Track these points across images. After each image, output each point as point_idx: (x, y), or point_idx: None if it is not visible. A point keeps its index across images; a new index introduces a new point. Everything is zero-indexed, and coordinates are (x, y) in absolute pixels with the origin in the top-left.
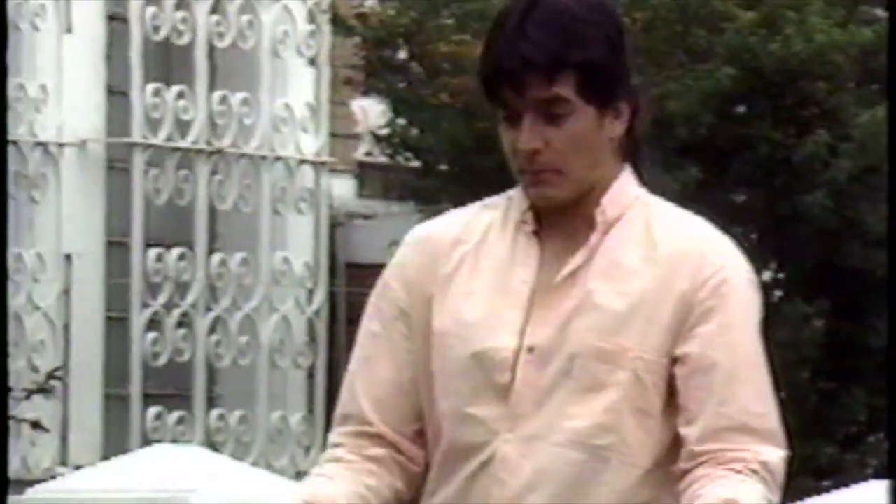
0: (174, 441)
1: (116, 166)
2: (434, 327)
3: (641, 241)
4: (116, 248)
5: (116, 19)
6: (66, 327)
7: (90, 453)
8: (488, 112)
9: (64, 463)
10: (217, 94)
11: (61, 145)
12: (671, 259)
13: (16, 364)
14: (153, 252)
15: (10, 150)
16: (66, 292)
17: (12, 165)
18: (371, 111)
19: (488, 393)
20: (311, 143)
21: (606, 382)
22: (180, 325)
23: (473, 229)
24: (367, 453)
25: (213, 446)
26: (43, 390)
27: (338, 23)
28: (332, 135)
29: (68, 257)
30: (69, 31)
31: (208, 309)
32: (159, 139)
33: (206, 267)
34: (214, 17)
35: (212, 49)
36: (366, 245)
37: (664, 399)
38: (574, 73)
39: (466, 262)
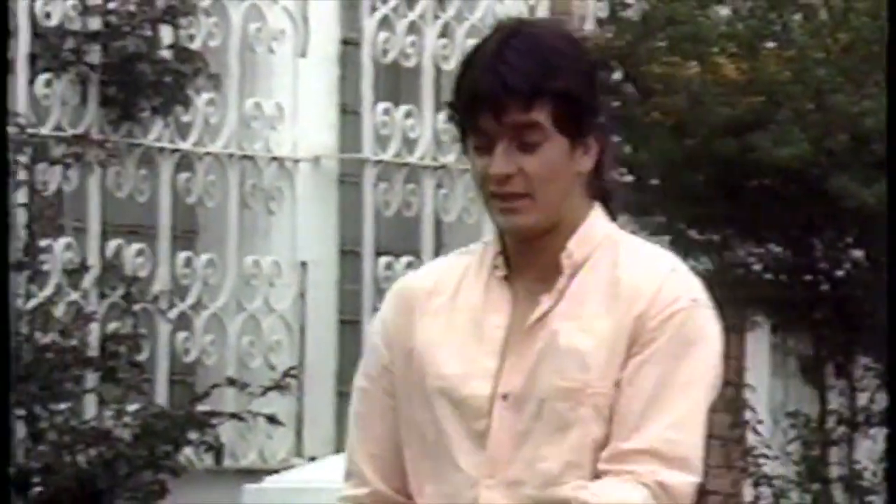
0: None
1: (348, 180)
2: (415, 382)
3: (607, 280)
4: (349, 256)
5: (350, 43)
6: (302, 329)
7: (323, 446)
8: (696, 130)
9: (299, 455)
10: (442, 114)
11: (296, 161)
12: (629, 293)
13: (254, 363)
14: (383, 260)
15: (248, 164)
16: (302, 297)
17: (250, 179)
18: None
19: (470, 442)
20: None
21: (571, 421)
22: None
23: (449, 278)
24: None
25: None
26: (279, 387)
27: None
28: None
29: (304, 264)
30: (304, 55)
31: None
32: (388, 155)
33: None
34: (441, 41)
35: (438, 71)
36: None
37: None
38: (551, 102)
39: (441, 313)
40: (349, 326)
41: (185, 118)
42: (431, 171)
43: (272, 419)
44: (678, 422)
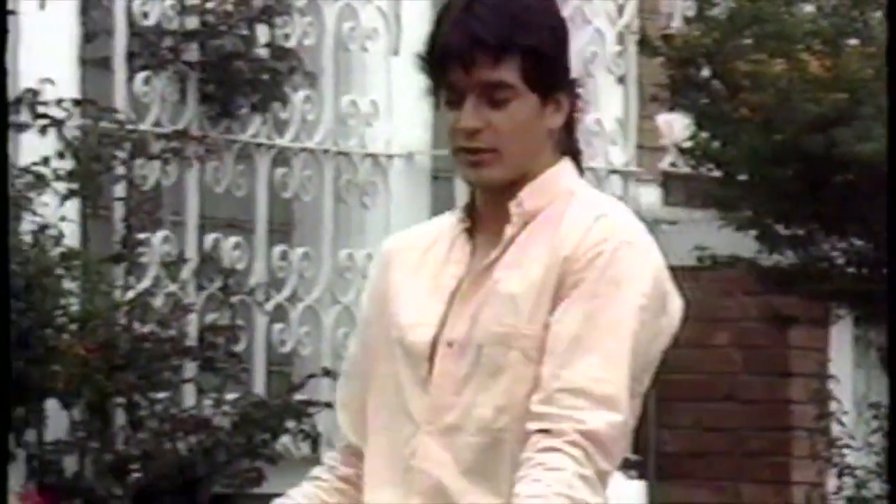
0: None
1: (440, 176)
2: (383, 335)
3: (552, 229)
4: None
5: None
6: None
7: None
8: (783, 126)
9: None
10: None
11: (390, 157)
12: (564, 238)
13: (348, 353)
14: None
15: (343, 160)
16: None
17: (345, 174)
18: (676, 125)
19: (416, 388)
20: (620, 155)
21: (503, 365)
22: None
23: (428, 235)
24: (339, 473)
25: None
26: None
27: (644, 44)
28: (640, 147)
29: None
30: (397, 53)
31: None
32: None
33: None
34: None
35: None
36: (671, 249)
37: None
38: (520, 58)
39: (410, 266)
40: None
41: (283, 115)
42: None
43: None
44: (603, 361)
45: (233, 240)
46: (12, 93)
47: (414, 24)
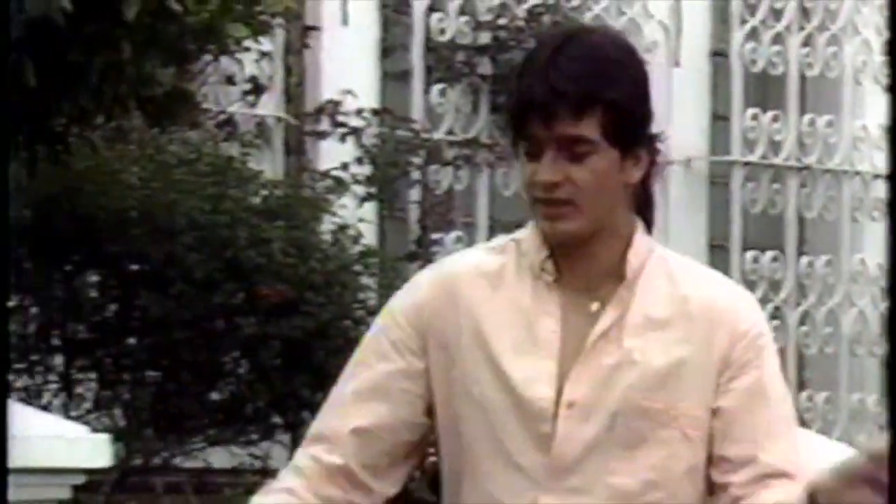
0: None
1: (717, 181)
2: (460, 375)
3: (669, 295)
4: (717, 250)
5: (719, 55)
6: None
7: None
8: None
9: None
10: (806, 118)
11: (669, 162)
12: (705, 315)
13: None
14: (749, 255)
15: None
16: None
17: None
18: None
19: (532, 442)
20: (884, 160)
21: (651, 439)
22: (773, 317)
23: (487, 274)
24: (322, 492)
25: (803, 423)
26: None
27: None
28: None
29: None
30: (678, 64)
31: (797, 304)
32: (755, 157)
33: (795, 268)
34: (804, 50)
35: (802, 78)
36: None
37: (708, 452)
38: (601, 112)
39: (488, 308)
40: None
41: None
42: (795, 171)
43: None
44: (794, 444)
45: None
46: (313, 103)
47: (693, 36)
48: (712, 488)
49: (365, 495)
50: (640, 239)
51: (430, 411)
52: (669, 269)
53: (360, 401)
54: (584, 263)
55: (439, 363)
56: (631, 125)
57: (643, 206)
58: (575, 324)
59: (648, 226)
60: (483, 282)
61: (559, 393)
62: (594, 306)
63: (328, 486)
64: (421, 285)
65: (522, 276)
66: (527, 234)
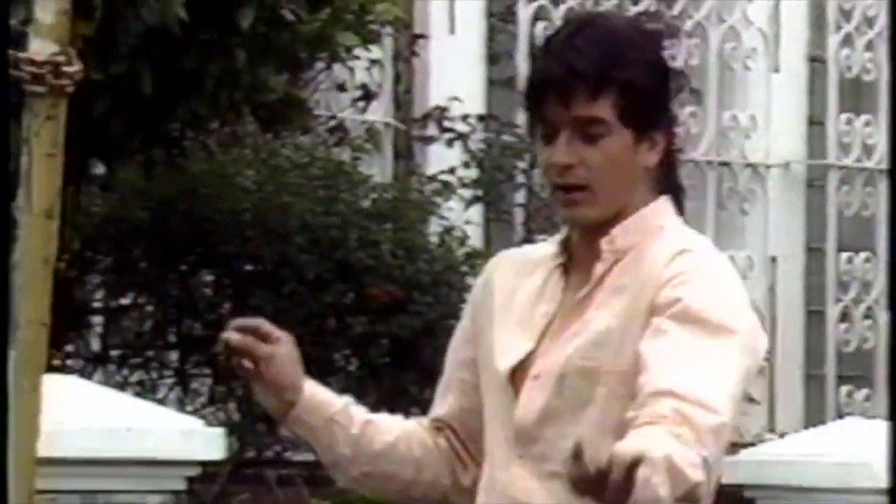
0: (862, 415)
1: (814, 184)
2: (477, 359)
3: (638, 266)
4: (814, 252)
5: (816, 61)
6: (773, 318)
7: (793, 423)
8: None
9: (771, 430)
10: None
11: (768, 166)
12: (648, 271)
13: None
14: (844, 256)
15: (725, 170)
16: (772, 289)
17: (726, 182)
18: None
19: (504, 421)
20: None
21: (589, 399)
22: (866, 317)
23: (530, 260)
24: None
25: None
26: None
27: None
28: None
29: (773, 259)
30: (776, 70)
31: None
32: (850, 161)
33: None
34: None
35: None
36: None
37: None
38: (616, 94)
39: (507, 294)
40: (815, 316)
41: None
42: (887, 174)
43: (749, 398)
44: (699, 373)
45: None
46: (421, 109)
47: (792, 43)
48: None
49: (463, 470)
50: (644, 216)
51: None
52: (656, 242)
53: (440, 394)
54: (591, 250)
55: (480, 351)
56: (646, 107)
57: (668, 191)
58: (567, 305)
59: (680, 209)
60: (522, 268)
61: (529, 367)
62: (584, 285)
63: (437, 436)
64: (481, 273)
65: (549, 262)
66: None
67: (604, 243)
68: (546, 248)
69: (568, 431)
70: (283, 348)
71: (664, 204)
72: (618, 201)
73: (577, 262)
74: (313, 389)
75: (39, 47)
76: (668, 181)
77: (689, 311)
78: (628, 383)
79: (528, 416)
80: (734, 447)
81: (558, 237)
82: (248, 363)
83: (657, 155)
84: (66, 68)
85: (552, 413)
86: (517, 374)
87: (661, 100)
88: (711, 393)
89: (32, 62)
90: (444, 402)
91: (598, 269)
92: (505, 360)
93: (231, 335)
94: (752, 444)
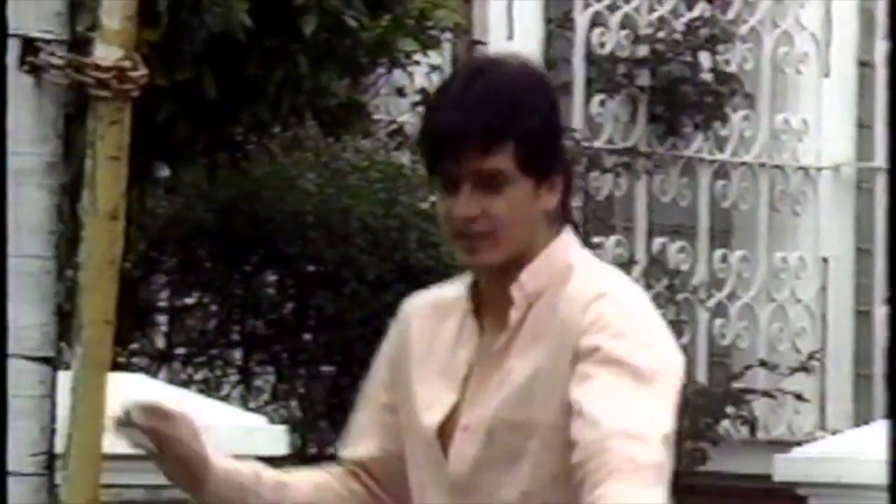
0: None
1: (863, 186)
2: (398, 406)
3: (553, 310)
4: (863, 253)
5: (866, 65)
6: (823, 317)
7: (844, 421)
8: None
9: (822, 428)
10: None
11: (819, 169)
12: (565, 319)
13: (782, 346)
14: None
15: (777, 172)
16: (824, 289)
17: (778, 185)
18: None
19: (437, 473)
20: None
21: (521, 452)
22: None
23: (444, 304)
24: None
25: None
26: (804, 369)
27: None
28: None
29: (825, 260)
30: (827, 75)
31: None
32: None
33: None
34: None
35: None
36: None
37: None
38: (513, 146)
39: (426, 342)
40: (864, 316)
41: (723, 132)
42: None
43: (799, 396)
44: (631, 413)
45: (678, 244)
46: None
47: (843, 48)
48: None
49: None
50: (548, 257)
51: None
52: (568, 283)
53: (356, 434)
54: (501, 293)
55: (398, 397)
56: (542, 155)
57: (570, 221)
58: (485, 352)
59: (579, 237)
60: (434, 313)
61: (456, 419)
62: (499, 332)
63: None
64: (394, 319)
65: (460, 309)
66: None
67: (514, 290)
68: (456, 291)
69: (503, 481)
70: (184, 428)
71: (567, 238)
72: (519, 244)
73: (488, 306)
74: (221, 461)
75: (105, 53)
76: (565, 215)
77: (612, 357)
78: (560, 434)
79: (461, 467)
80: (787, 445)
81: (465, 280)
82: (149, 443)
83: (556, 197)
84: (131, 73)
85: (485, 464)
86: (445, 427)
87: (555, 145)
88: (650, 432)
89: (98, 67)
90: (363, 444)
91: (513, 316)
92: (431, 415)
93: (135, 415)
94: (804, 442)
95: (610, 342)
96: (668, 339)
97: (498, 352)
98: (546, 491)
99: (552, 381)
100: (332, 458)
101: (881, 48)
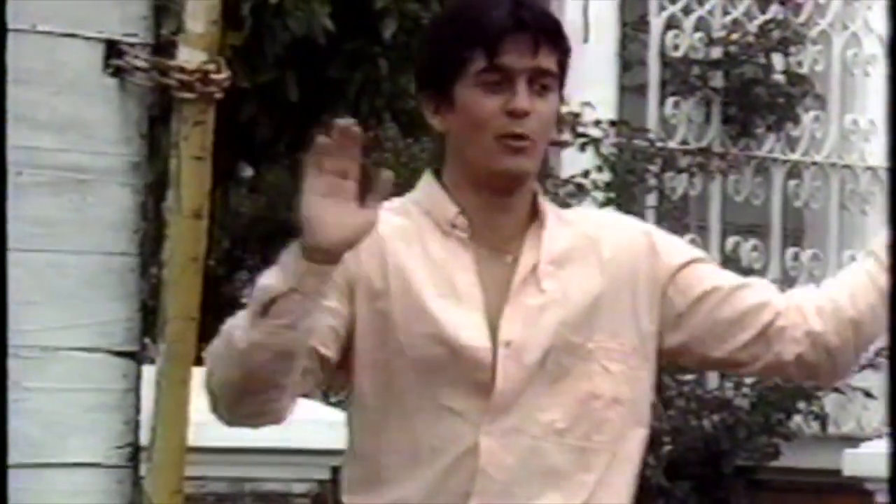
0: None
1: None
2: (392, 327)
3: (572, 235)
4: None
5: None
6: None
7: None
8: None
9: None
10: None
11: (888, 169)
12: (617, 251)
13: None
14: None
15: (846, 172)
16: None
17: (848, 185)
18: None
19: (468, 388)
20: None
21: (573, 373)
22: None
23: (401, 232)
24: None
25: None
26: (872, 365)
27: None
28: None
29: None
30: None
31: None
32: None
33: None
34: None
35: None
36: None
37: (632, 387)
38: (562, 52)
39: (411, 263)
40: None
41: (794, 133)
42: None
43: (868, 393)
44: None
45: (751, 243)
46: None
47: None
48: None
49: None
50: (534, 185)
51: (343, 352)
52: (557, 213)
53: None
54: (501, 216)
55: (366, 313)
56: (567, 70)
57: None
58: (492, 276)
59: None
60: (400, 237)
61: (494, 338)
62: (509, 258)
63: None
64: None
65: (433, 235)
66: (425, 194)
67: (541, 207)
68: (400, 220)
69: (545, 404)
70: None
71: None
72: (539, 160)
73: (482, 229)
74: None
75: (189, 56)
76: None
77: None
78: (622, 361)
79: (507, 385)
80: (857, 441)
81: (393, 206)
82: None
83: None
84: (214, 76)
85: (530, 386)
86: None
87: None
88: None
89: (182, 70)
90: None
91: (535, 241)
92: (471, 335)
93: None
94: (871, 438)
95: (695, 251)
96: None
97: (527, 276)
98: (598, 415)
99: (613, 310)
100: None
101: None
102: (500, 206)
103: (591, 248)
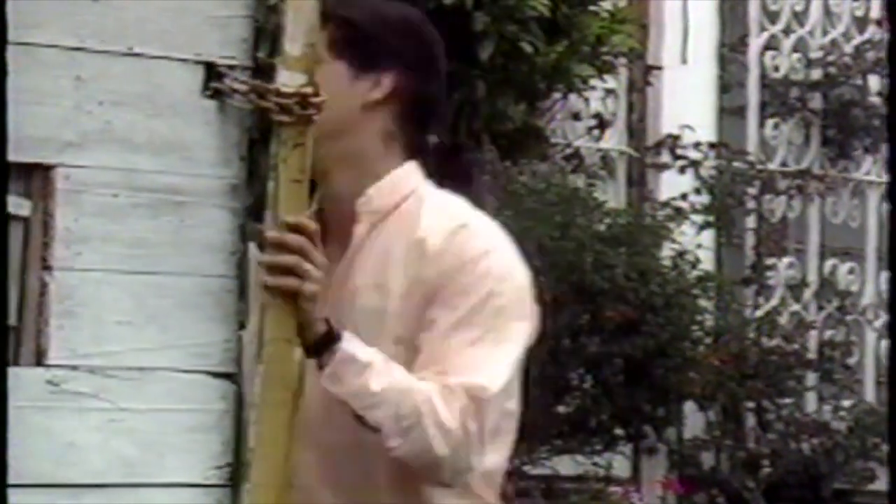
0: None
1: None
2: None
3: (409, 238)
4: None
5: None
6: None
7: None
8: None
9: None
10: None
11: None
12: (424, 252)
13: None
14: None
15: None
16: None
17: None
18: None
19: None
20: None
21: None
22: None
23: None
24: None
25: None
26: None
27: None
28: None
29: None
30: None
31: None
32: None
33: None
34: None
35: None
36: None
37: None
38: (332, 26)
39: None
40: None
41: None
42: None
43: None
44: (478, 355)
45: (848, 265)
46: (654, 137)
47: None
48: None
49: None
50: (399, 178)
51: None
52: (420, 210)
53: None
54: (339, 205)
55: None
56: (360, 42)
57: (417, 154)
58: (330, 271)
59: (427, 173)
60: None
61: None
62: (342, 249)
63: None
64: None
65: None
66: None
67: (360, 204)
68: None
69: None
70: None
71: (414, 168)
72: (336, 137)
73: (333, 232)
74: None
75: (288, 79)
76: (413, 143)
77: (468, 295)
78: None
79: (312, 404)
80: None
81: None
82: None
83: (378, 95)
84: (313, 99)
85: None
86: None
87: (381, 40)
88: (489, 380)
89: (280, 93)
90: None
91: (359, 230)
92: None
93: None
94: None
95: (471, 286)
96: (523, 284)
97: (344, 271)
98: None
99: (402, 308)
100: (509, 474)
101: None
102: (334, 196)
103: (413, 252)
